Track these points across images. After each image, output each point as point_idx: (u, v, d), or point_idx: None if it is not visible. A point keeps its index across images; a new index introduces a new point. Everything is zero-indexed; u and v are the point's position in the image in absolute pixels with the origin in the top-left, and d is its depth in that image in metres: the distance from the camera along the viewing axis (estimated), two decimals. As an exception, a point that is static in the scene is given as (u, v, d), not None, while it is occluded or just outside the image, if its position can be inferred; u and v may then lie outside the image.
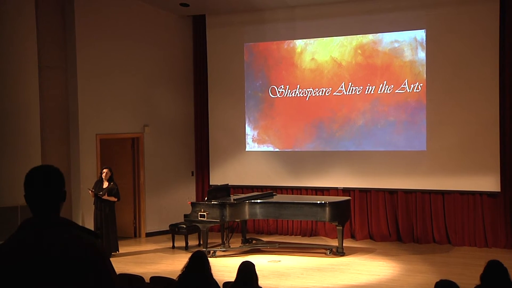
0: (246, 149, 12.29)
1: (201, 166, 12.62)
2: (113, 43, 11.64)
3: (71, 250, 2.25)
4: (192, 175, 12.70)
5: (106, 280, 2.30)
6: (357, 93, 11.37)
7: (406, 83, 10.99)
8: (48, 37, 11.07)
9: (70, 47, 11.28)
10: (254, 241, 11.02)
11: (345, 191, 11.37)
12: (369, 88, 11.27)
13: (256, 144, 12.23)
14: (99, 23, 11.51)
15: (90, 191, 10.15)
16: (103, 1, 11.62)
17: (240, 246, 10.66)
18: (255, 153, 12.22)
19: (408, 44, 11.00)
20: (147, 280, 6.61)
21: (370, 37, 11.28)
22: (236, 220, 10.45)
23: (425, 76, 10.83)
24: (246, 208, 10.16)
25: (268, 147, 12.13)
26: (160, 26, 12.32)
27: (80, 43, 11.23)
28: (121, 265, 9.49)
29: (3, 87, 10.42)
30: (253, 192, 11.36)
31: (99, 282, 2.27)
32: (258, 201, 10.22)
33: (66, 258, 2.23)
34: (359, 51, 11.38)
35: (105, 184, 10.15)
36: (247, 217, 10.34)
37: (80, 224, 10.43)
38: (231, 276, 5.27)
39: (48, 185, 2.35)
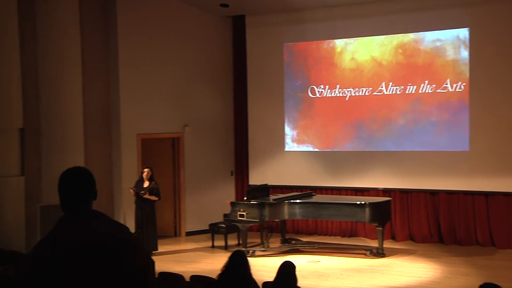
0: (285, 149, 12.28)
1: (240, 166, 12.66)
2: (154, 44, 11.79)
3: (104, 241, 2.44)
4: (232, 174, 12.75)
5: (136, 267, 2.45)
6: (398, 92, 11.24)
7: (448, 82, 10.81)
8: (91, 38, 11.29)
9: (112, 48, 11.47)
10: (293, 241, 11.00)
11: (386, 191, 11.24)
12: (410, 87, 11.13)
13: (295, 144, 12.21)
14: (141, 25, 11.66)
15: (131, 190, 10.30)
16: (144, 2, 11.78)
17: (279, 246, 10.66)
18: (294, 153, 12.20)
19: (450, 42, 10.81)
20: (187, 279, 6.67)
21: (411, 36, 11.13)
22: (275, 220, 10.46)
23: (468, 75, 10.63)
24: (286, 208, 10.15)
25: (307, 147, 12.09)
26: (200, 27, 12.42)
27: (122, 44, 11.40)
28: (161, 263, 9.60)
29: (47, 88, 10.65)
30: (292, 192, 11.34)
31: (131, 269, 2.43)
32: (298, 201, 10.20)
33: (100, 248, 2.40)
34: (400, 50, 11.24)
35: (146, 184, 10.28)
36: (286, 217, 10.33)
37: (122, 223, 10.49)
38: (270, 276, 5.27)
39: (79, 184, 2.60)
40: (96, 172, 10.30)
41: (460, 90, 10.72)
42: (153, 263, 2.58)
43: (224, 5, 11.99)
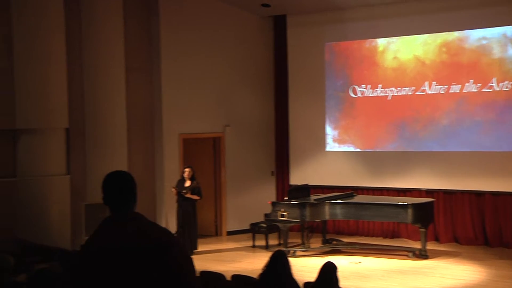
0: (326, 149, 12.21)
1: (281, 166, 12.65)
2: (195, 45, 11.88)
3: (144, 240, 2.56)
4: (272, 174, 12.75)
5: (176, 265, 2.56)
6: (441, 92, 11.05)
7: (495, 81, 10.57)
8: (134, 40, 11.46)
9: (155, 49, 11.62)
10: (334, 242, 10.94)
11: (429, 192, 11.06)
12: (454, 87, 10.93)
13: (336, 144, 12.13)
14: (183, 26, 11.78)
15: (173, 190, 10.41)
16: (187, 3, 11.89)
17: (320, 247, 10.61)
18: (335, 153, 12.12)
19: (497, 40, 10.57)
20: (228, 278, 6.69)
21: (455, 34, 10.93)
22: (316, 220, 10.42)
23: (514, 73, 10.38)
24: (327, 208, 10.10)
25: (348, 147, 12.00)
26: (241, 27, 12.46)
27: (164, 45, 11.54)
28: (202, 262, 9.67)
29: (92, 89, 10.86)
30: (333, 192, 11.27)
31: (170, 267, 2.53)
32: (339, 201, 10.13)
33: (140, 248, 2.53)
34: (444, 49, 11.05)
35: (188, 183, 10.38)
36: (327, 217, 10.28)
37: (163, 222, 10.64)
38: (311, 277, 5.25)
39: (121, 187, 2.73)
40: (138, 171, 10.49)
41: (507, 89, 10.47)
42: (192, 263, 2.64)
43: (265, 5, 12.00)
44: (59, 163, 10.34)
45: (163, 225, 11.47)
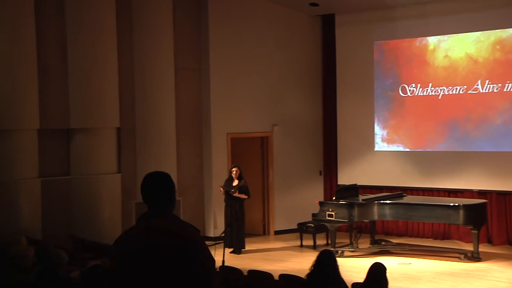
0: (375, 149, 12.08)
1: (329, 166, 12.59)
2: (244, 44, 11.94)
3: (171, 239, 2.70)
4: (320, 174, 12.70)
5: (198, 266, 2.68)
6: (495, 91, 10.78)
7: (551, 79, 10.24)
8: (184, 40, 11.61)
9: (204, 49, 11.74)
10: (383, 243, 10.81)
11: (481, 193, 10.80)
12: (508, 85, 10.64)
13: (385, 144, 11.99)
14: (231, 25, 11.86)
15: (221, 189, 10.49)
16: (235, 3, 11.97)
17: (368, 247, 10.51)
18: (384, 153, 11.99)
19: (553, 37, 10.24)
20: (276, 277, 6.71)
21: (510, 31, 10.64)
22: (365, 220, 10.32)
23: None
24: (375, 208, 10.00)
25: (398, 147, 11.85)
26: (289, 26, 12.45)
27: (213, 45, 11.65)
28: (250, 261, 9.73)
29: (142, 89, 11.05)
30: (381, 192, 11.14)
31: (192, 267, 2.66)
32: (388, 201, 10.01)
33: (171, 243, 2.68)
34: (498, 47, 10.77)
35: (235, 182, 10.44)
36: (375, 217, 10.17)
37: (211, 221, 10.74)
38: (359, 277, 5.22)
39: (157, 187, 2.86)
40: (187, 170, 10.68)
41: None
42: (213, 266, 2.78)
43: (313, 4, 11.96)
44: (111, 162, 10.57)
45: (211, 224, 11.58)
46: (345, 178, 12.23)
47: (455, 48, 11.20)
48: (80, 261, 6.82)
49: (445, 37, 11.31)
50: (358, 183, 11.34)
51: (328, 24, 12.62)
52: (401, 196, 10.54)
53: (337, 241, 10.31)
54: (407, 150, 11.74)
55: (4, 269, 5.34)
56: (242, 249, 10.49)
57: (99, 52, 10.24)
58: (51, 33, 10.09)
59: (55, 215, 10.00)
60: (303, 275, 5.14)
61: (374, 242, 10.75)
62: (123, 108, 10.81)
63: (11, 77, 9.40)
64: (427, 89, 11.47)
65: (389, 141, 11.95)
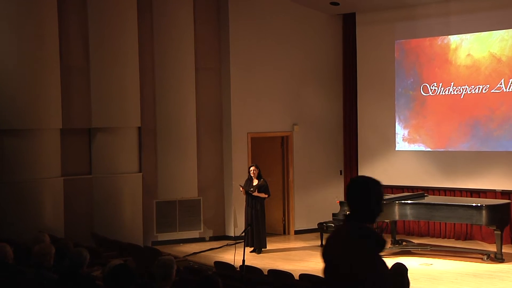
0: (396, 149, 12.00)
1: (350, 165, 12.53)
2: (264, 44, 11.94)
3: (353, 240, 3.03)
4: (341, 174, 12.65)
5: (374, 267, 2.99)
6: (519, 89, 10.64)
7: None
8: (204, 39, 11.65)
9: (224, 48, 11.76)
10: (404, 243, 10.73)
11: (504, 193, 10.68)
12: (532, 84, 10.50)
13: (406, 143, 11.90)
14: (251, 24, 11.86)
15: (241, 189, 10.51)
16: (255, 2, 11.97)
17: (390, 247, 10.44)
18: (405, 152, 11.90)
19: None
20: (296, 277, 6.70)
21: (534, 29, 10.50)
22: (386, 220, 10.26)
23: None
24: (396, 208, 9.93)
25: (419, 146, 11.75)
26: (310, 25, 12.42)
27: (233, 44, 11.66)
28: (270, 261, 9.73)
29: (163, 88, 11.12)
30: (403, 192, 11.06)
31: (369, 267, 2.98)
32: (409, 201, 9.94)
33: (351, 244, 3.02)
34: (521, 45, 10.63)
35: (255, 182, 10.45)
36: (397, 217, 10.11)
37: (232, 220, 10.71)
38: (382, 278, 5.17)
39: (350, 192, 3.16)
40: (207, 170, 10.72)
41: None
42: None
43: (334, 3, 11.92)
44: (132, 161, 10.66)
45: (232, 223, 11.60)
46: (365, 177, 12.14)
47: (478, 47, 11.08)
48: (103, 259, 6.88)
49: (468, 35, 11.19)
50: (379, 183, 11.25)
51: (349, 23, 12.56)
52: (422, 196, 10.46)
53: (357, 241, 10.24)
54: (429, 149, 11.65)
55: (28, 267, 5.42)
56: (263, 249, 10.49)
57: (121, 52, 10.33)
58: (73, 33, 10.20)
59: (77, 214, 10.11)
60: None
61: (395, 242, 10.68)
62: (144, 108, 10.88)
63: (34, 77, 9.53)
64: (449, 88, 11.36)
65: (410, 140, 11.86)
